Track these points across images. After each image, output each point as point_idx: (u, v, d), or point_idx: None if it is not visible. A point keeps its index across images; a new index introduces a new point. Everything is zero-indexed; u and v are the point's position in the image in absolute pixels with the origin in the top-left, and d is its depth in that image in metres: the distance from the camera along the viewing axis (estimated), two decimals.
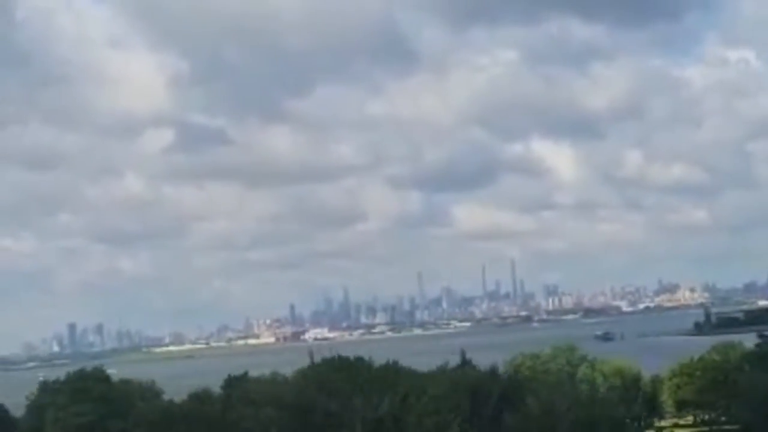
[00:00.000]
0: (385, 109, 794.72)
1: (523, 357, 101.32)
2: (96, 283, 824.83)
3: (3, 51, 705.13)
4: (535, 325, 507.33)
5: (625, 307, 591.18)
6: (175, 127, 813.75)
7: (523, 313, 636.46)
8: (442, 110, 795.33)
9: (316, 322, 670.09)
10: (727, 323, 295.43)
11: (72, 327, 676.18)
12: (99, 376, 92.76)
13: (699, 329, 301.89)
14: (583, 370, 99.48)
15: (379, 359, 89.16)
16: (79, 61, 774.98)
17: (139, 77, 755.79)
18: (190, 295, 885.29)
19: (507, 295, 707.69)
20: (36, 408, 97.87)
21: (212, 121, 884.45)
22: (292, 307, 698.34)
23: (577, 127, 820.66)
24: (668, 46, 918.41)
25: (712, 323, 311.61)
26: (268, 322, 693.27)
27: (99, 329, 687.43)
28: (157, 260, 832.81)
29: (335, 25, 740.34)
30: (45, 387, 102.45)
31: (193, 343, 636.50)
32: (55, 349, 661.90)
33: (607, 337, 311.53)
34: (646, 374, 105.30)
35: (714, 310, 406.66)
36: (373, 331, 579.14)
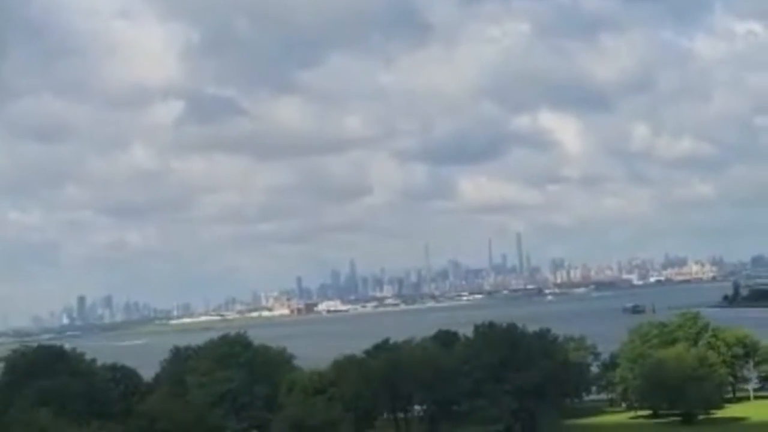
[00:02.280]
0: (395, 80, 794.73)
1: (650, 325, 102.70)
2: (103, 256, 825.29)
3: (16, 24, 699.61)
4: (550, 298, 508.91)
5: (635, 280, 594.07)
6: (186, 98, 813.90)
7: (531, 286, 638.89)
8: (451, 82, 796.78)
9: (323, 295, 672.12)
10: (759, 296, 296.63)
11: (81, 300, 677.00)
12: (243, 342, 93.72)
13: (729, 302, 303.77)
14: (706, 339, 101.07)
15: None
16: (91, 32, 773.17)
17: (150, 48, 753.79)
18: (197, 267, 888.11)
19: (513, 269, 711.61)
20: (172, 373, 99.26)
21: (223, 91, 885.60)
22: (299, 280, 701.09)
23: (586, 99, 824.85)
24: (679, 18, 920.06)
25: (741, 296, 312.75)
26: (275, 294, 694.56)
27: (108, 302, 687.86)
28: (165, 233, 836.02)
29: None
30: (178, 353, 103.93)
31: (205, 315, 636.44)
32: (65, 321, 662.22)
33: (637, 310, 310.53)
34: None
35: (725, 284, 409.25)
36: (386, 303, 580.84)
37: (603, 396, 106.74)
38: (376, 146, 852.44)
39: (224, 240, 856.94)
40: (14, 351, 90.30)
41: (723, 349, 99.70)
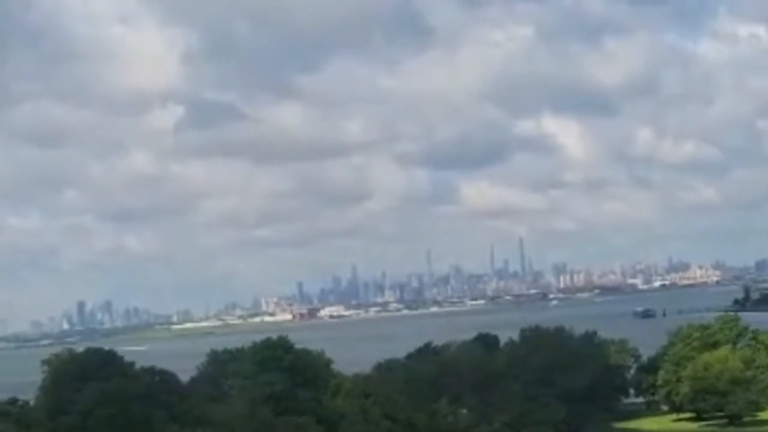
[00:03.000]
0: (397, 84, 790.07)
1: (691, 328, 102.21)
2: (102, 261, 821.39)
3: (16, 29, 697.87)
4: (555, 303, 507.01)
5: (640, 284, 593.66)
6: (186, 102, 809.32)
7: (533, 291, 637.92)
8: (454, 86, 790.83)
9: (324, 300, 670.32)
10: None
11: (81, 305, 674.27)
12: (285, 346, 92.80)
13: (740, 305, 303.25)
14: (746, 341, 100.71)
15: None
16: (90, 37, 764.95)
17: (150, 53, 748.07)
18: (197, 272, 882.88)
19: (515, 274, 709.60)
20: (210, 377, 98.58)
21: (223, 96, 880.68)
22: (300, 285, 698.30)
23: (589, 103, 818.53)
24: (683, 20, 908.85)
25: (752, 299, 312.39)
26: (275, 300, 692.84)
27: (108, 307, 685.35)
28: (164, 238, 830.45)
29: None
30: (215, 357, 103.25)
31: (205, 320, 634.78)
32: (65, 326, 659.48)
33: (647, 314, 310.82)
34: None
35: (731, 287, 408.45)
36: (389, 308, 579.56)
37: (640, 399, 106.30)
38: (378, 151, 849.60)
39: (224, 245, 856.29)
40: (57, 355, 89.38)
41: (763, 352, 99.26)
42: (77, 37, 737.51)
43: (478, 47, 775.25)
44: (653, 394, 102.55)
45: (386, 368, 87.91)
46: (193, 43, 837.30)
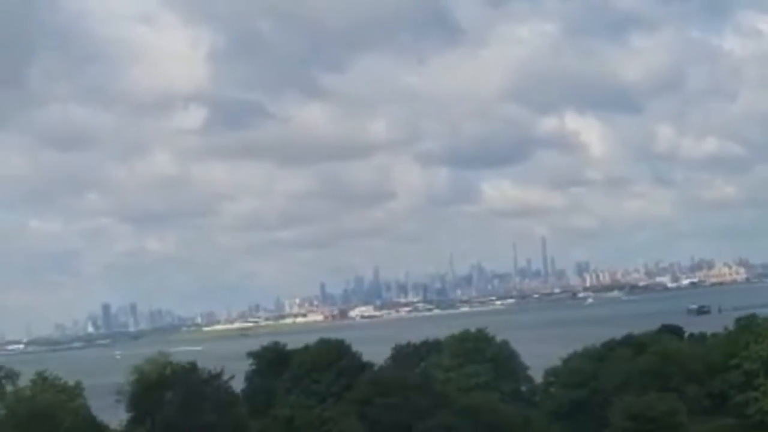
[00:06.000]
0: (422, 83, 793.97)
1: None
2: (123, 264, 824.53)
3: (42, 31, 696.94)
4: (590, 301, 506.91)
5: (668, 283, 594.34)
6: (210, 102, 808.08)
7: (557, 290, 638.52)
8: (478, 84, 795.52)
9: (348, 301, 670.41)
10: None
11: (106, 307, 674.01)
12: (486, 338, 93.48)
13: None
14: None
15: None
16: (116, 38, 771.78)
17: (175, 53, 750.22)
18: (219, 274, 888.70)
19: (538, 273, 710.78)
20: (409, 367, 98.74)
21: (248, 96, 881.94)
22: (323, 286, 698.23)
23: (613, 100, 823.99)
24: (708, 15, 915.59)
25: None
26: (298, 301, 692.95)
27: (132, 309, 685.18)
28: (186, 240, 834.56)
29: None
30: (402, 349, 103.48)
31: (228, 322, 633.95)
32: (90, 329, 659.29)
33: (702, 311, 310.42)
34: None
35: (761, 285, 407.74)
36: (418, 308, 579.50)
37: None
38: (400, 150, 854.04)
39: (245, 246, 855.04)
40: (265, 347, 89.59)
41: None
42: (102, 39, 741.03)
43: (503, 44, 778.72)
44: None
45: (595, 358, 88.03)
46: (218, 42, 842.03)
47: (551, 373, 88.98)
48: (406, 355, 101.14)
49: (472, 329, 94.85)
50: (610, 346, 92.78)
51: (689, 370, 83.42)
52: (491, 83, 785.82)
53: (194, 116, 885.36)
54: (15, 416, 59.63)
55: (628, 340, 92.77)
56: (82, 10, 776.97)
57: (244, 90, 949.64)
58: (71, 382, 77.15)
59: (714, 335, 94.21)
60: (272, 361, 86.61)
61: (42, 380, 76.06)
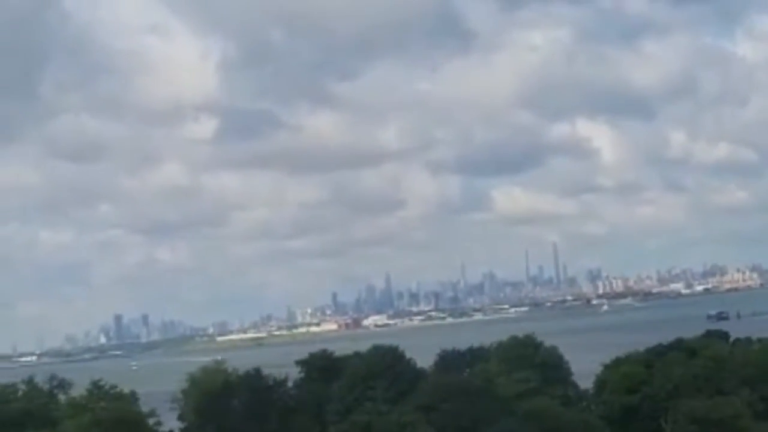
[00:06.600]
0: (433, 90, 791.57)
1: None
2: (135, 275, 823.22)
3: (54, 41, 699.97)
4: (606, 308, 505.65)
5: (682, 289, 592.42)
6: (222, 112, 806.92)
7: (569, 297, 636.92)
8: (489, 91, 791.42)
9: (359, 310, 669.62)
10: None
11: (118, 318, 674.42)
12: (533, 344, 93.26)
13: None
14: None
15: None
16: (125, 49, 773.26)
17: (186, 63, 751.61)
18: (230, 284, 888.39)
19: (550, 280, 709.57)
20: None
21: (259, 105, 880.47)
22: (335, 295, 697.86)
23: (624, 106, 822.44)
24: (721, 20, 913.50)
25: None
26: (310, 310, 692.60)
27: (144, 320, 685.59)
28: (197, 250, 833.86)
29: (385, 5, 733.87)
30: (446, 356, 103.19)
31: (241, 332, 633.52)
32: (102, 340, 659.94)
33: (722, 317, 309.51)
34: None
35: None
36: (432, 317, 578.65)
37: None
38: (411, 158, 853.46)
39: (257, 256, 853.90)
40: (312, 355, 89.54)
41: None
42: (113, 50, 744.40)
43: (515, 51, 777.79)
44: None
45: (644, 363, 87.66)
46: (228, 51, 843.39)
47: (600, 378, 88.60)
48: (451, 360, 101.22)
49: (520, 335, 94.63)
50: (658, 351, 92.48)
51: (742, 374, 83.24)
52: (503, 90, 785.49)
53: (205, 126, 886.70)
54: (99, 423, 59.31)
55: (678, 345, 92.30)
56: (93, 21, 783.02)
57: (255, 99, 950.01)
58: (126, 391, 77.50)
59: (760, 340, 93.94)
60: (322, 368, 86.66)
61: (98, 389, 76.34)
